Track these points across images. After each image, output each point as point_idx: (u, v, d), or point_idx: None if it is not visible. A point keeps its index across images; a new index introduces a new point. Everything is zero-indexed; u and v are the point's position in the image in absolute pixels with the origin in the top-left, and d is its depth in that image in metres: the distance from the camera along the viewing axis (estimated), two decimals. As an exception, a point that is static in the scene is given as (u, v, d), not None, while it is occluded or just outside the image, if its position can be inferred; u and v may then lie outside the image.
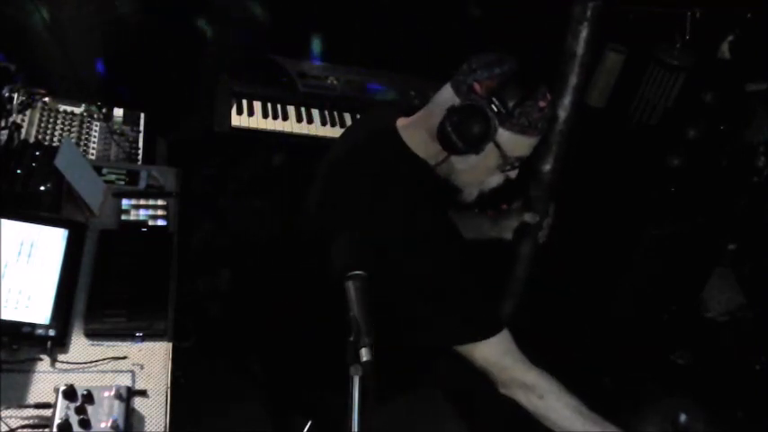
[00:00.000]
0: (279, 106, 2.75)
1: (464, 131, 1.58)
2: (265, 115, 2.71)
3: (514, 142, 1.62)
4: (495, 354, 1.66)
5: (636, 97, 3.10)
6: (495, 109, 1.56)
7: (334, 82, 2.82)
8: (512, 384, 1.68)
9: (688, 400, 2.77)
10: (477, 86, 1.58)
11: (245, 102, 2.71)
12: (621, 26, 3.01)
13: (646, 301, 3.13)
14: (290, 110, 2.77)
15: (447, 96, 1.63)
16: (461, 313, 1.65)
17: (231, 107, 2.67)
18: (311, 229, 1.76)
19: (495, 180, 1.73)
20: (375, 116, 1.92)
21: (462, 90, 1.60)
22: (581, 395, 1.71)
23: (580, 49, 1.74)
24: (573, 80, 1.77)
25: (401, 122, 1.75)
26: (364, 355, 1.26)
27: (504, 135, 1.60)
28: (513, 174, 1.71)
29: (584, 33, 1.73)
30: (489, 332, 1.65)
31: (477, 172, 1.69)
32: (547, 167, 1.87)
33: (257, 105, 2.73)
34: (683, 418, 2.65)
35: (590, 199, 3.07)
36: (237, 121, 2.65)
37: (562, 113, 1.79)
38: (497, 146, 1.61)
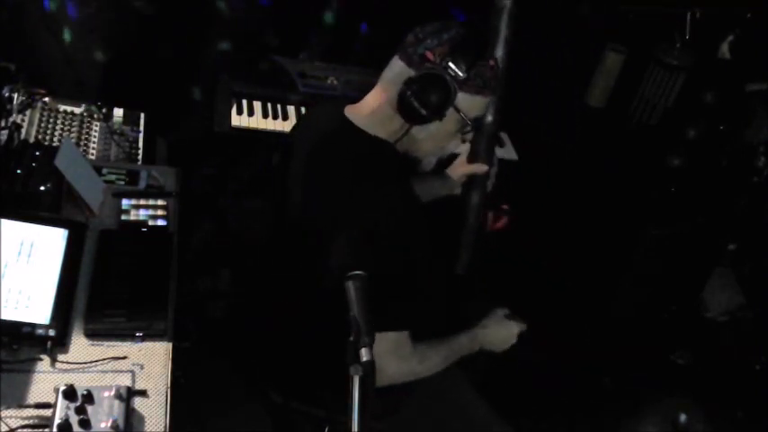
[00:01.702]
0: (279, 106, 2.75)
1: (426, 99, 1.61)
2: (265, 115, 2.70)
3: (472, 103, 1.66)
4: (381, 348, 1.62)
5: (636, 97, 3.10)
6: (452, 73, 1.60)
7: (334, 82, 2.82)
8: (394, 380, 1.70)
9: (688, 400, 2.78)
10: (429, 54, 1.61)
11: (245, 102, 2.71)
12: (621, 26, 3.01)
13: (646, 300, 3.13)
14: (290, 110, 2.76)
15: (399, 71, 1.65)
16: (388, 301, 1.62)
17: (231, 107, 2.67)
18: (299, 231, 1.77)
19: (454, 145, 1.79)
20: (321, 112, 1.91)
21: (415, 61, 1.63)
22: (582, 395, 1.72)
23: (508, 2, 1.83)
24: (504, 32, 1.85)
25: (349, 111, 1.76)
26: (364, 355, 1.26)
27: (462, 97, 1.64)
28: (469, 136, 1.75)
29: None
30: (392, 326, 1.64)
31: (437, 139, 1.72)
32: (489, 119, 1.97)
33: (257, 105, 2.72)
34: (683, 418, 2.65)
35: (590, 199, 3.07)
36: (237, 121, 2.65)
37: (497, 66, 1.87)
38: (457, 109, 1.65)
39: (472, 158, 2.08)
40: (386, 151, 1.72)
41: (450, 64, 1.60)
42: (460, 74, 1.60)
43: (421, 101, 1.61)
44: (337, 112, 1.78)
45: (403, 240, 1.62)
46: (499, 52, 1.84)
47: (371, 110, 1.72)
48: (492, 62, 1.66)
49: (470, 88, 1.63)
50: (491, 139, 2.03)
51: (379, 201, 1.63)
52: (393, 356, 1.66)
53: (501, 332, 1.89)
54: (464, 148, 2.09)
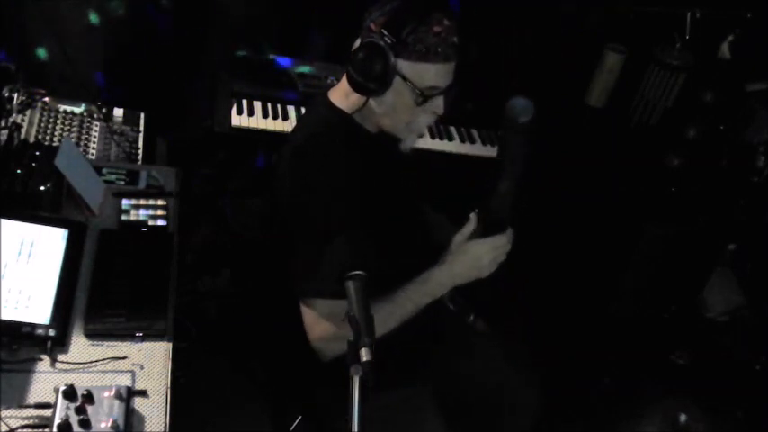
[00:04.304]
0: (279, 106, 2.75)
1: (364, 69, 1.63)
2: (265, 115, 2.70)
3: (418, 71, 1.65)
4: (318, 314, 1.69)
5: (636, 97, 3.10)
6: (388, 41, 1.61)
7: (335, 82, 2.81)
8: (321, 340, 1.72)
9: (688, 400, 2.78)
10: (372, 25, 1.65)
11: (245, 102, 2.71)
12: (621, 26, 3.01)
13: (646, 300, 3.13)
14: (290, 110, 2.76)
15: (355, 45, 1.70)
16: (311, 266, 1.68)
17: (231, 107, 2.67)
18: (279, 222, 1.79)
19: (423, 120, 1.77)
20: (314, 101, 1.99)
21: (364, 34, 1.67)
22: (581, 395, 1.70)
23: (526, 120, 1.68)
24: (517, 151, 1.72)
25: (330, 89, 1.84)
26: (364, 355, 1.26)
27: (405, 65, 1.64)
28: (435, 107, 1.73)
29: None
30: (324, 294, 1.67)
31: (398, 112, 1.73)
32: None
33: (257, 105, 2.72)
34: (683, 418, 2.65)
35: (590, 199, 3.07)
36: (237, 121, 2.65)
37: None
38: (404, 78, 1.65)
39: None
40: (343, 121, 1.77)
41: (385, 31, 1.61)
42: (396, 40, 1.61)
43: (360, 71, 1.64)
44: (323, 94, 1.85)
45: (327, 208, 1.67)
46: (509, 168, 1.72)
47: (342, 84, 1.77)
48: (438, 29, 1.63)
49: (412, 55, 1.63)
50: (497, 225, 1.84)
51: (313, 165, 1.70)
52: (323, 320, 1.69)
53: (466, 259, 1.74)
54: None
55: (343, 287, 1.62)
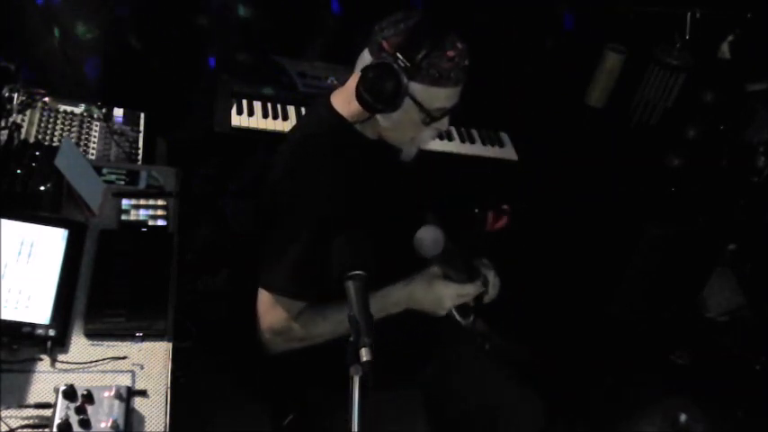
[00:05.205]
0: (279, 106, 2.75)
1: (376, 90, 1.62)
2: (265, 115, 2.70)
3: (429, 94, 1.64)
4: (270, 306, 1.73)
5: (636, 97, 3.10)
6: (402, 64, 1.59)
7: (335, 82, 2.82)
8: (268, 332, 1.76)
9: (688, 400, 2.78)
10: (385, 44, 1.63)
11: (245, 102, 2.71)
12: (621, 26, 3.01)
13: (646, 300, 3.13)
14: (290, 110, 2.76)
15: (365, 59, 1.68)
16: (277, 260, 1.71)
17: (231, 107, 2.67)
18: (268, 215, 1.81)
19: (428, 135, 1.77)
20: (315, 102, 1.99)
21: (375, 50, 1.65)
22: (582, 395, 1.70)
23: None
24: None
25: (334, 92, 1.83)
26: (364, 355, 1.26)
27: (417, 88, 1.63)
28: (440, 125, 1.73)
29: None
30: (281, 291, 1.71)
31: (403, 128, 1.72)
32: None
33: (257, 105, 2.72)
34: (683, 418, 2.65)
35: (590, 199, 3.07)
36: (237, 121, 2.65)
37: None
38: (414, 100, 1.64)
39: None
40: (343, 129, 1.76)
41: (400, 54, 1.59)
42: (410, 64, 1.59)
43: (371, 91, 1.63)
44: (325, 96, 1.84)
45: (318, 211, 1.68)
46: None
47: (346, 90, 1.76)
48: (452, 53, 1.62)
49: (425, 79, 1.62)
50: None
51: (307, 165, 1.72)
52: (273, 313, 1.72)
53: (429, 292, 1.77)
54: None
55: (300, 288, 1.69)
